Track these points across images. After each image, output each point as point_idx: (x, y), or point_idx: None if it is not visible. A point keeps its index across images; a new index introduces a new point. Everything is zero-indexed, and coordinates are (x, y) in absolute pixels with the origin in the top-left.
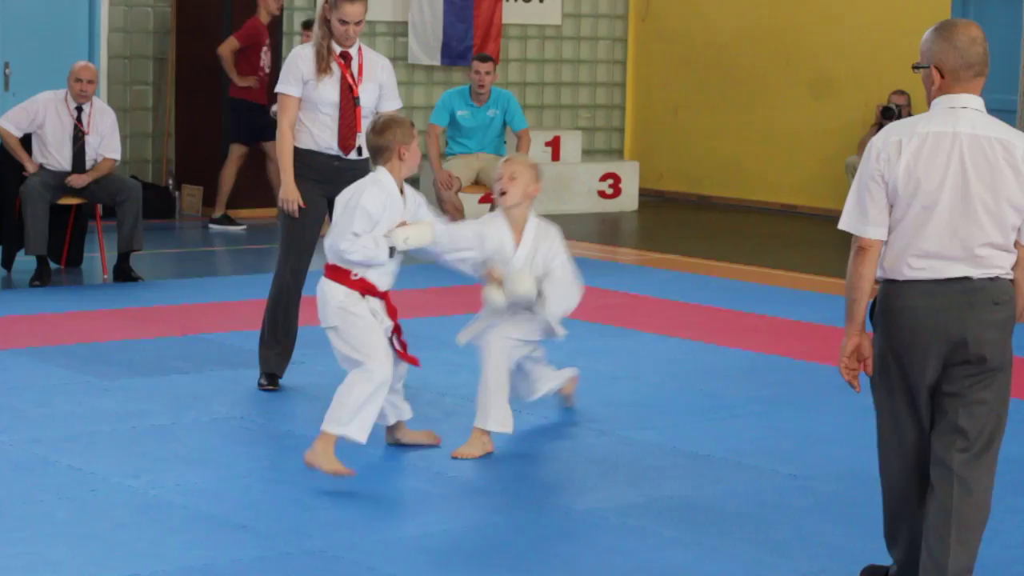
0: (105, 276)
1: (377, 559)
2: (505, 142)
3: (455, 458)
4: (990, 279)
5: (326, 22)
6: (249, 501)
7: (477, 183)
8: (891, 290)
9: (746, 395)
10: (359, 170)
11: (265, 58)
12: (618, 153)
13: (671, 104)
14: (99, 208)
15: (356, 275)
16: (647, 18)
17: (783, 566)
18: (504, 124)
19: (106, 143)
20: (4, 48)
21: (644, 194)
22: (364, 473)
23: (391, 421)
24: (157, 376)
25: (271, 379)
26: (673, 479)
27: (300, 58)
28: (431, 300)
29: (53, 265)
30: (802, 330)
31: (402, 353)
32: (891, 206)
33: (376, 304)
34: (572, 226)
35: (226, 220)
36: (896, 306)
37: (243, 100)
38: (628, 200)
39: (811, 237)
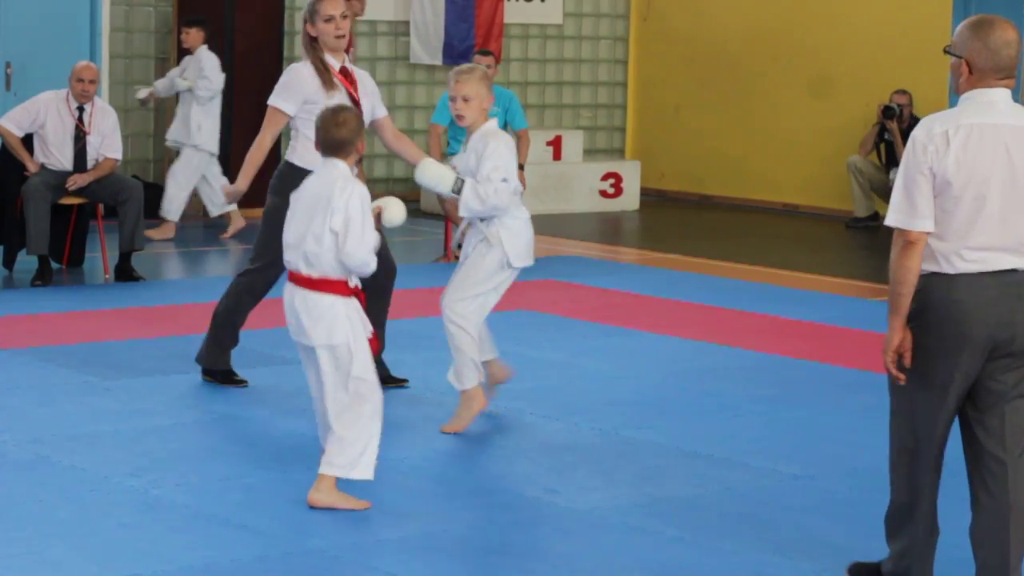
0: (106, 276)
1: (378, 559)
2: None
3: (443, 432)
4: None
5: (312, 40)
6: (250, 501)
7: None
8: (938, 283)
9: (748, 394)
10: None
11: None
12: (619, 152)
13: (672, 103)
14: (100, 208)
15: (354, 283)
16: (648, 17)
17: (785, 565)
18: (506, 123)
19: (107, 143)
20: (5, 48)
21: (645, 193)
22: None
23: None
24: (158, 376)
25: (228, 376)
26: (675, 478)
27: (302, 77)
28: (431, 299)
29: (54, 265)
30: (804, 330)
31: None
32: (935, 198)
33: (359, 305)
34: (573, 225)
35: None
36: (944, 299)
37: None
38: (629, 199)
39: (813, 236)
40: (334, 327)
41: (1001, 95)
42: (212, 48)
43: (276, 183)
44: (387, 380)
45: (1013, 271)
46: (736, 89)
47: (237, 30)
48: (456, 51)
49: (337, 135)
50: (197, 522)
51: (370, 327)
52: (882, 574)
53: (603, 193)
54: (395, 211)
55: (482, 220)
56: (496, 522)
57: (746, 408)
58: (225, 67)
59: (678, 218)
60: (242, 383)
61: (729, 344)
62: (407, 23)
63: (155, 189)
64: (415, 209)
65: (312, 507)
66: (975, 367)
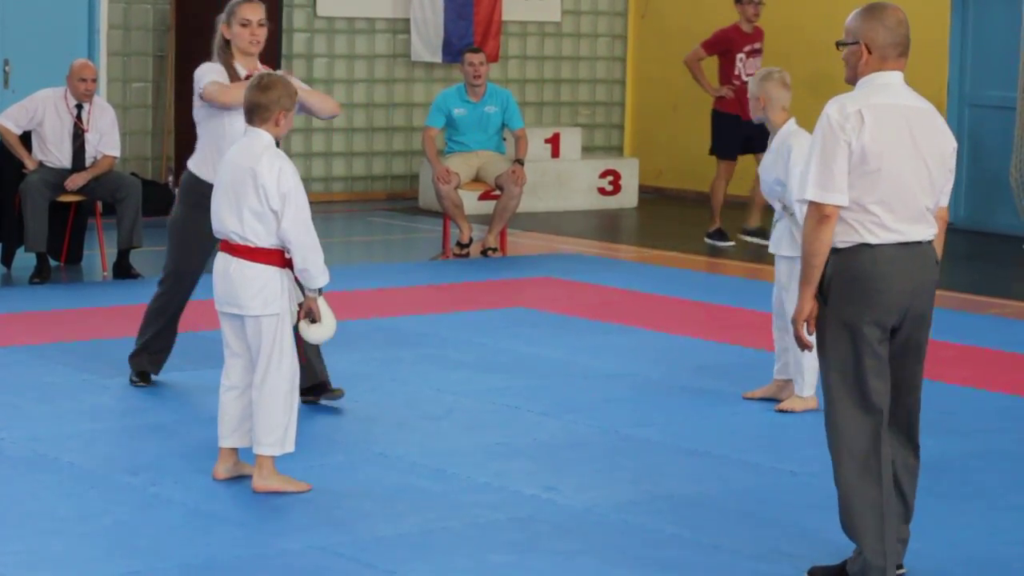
0: (105, 273)
1: (376, 556)
2: (504, 139)
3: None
4: (930, 241)
5: (226, 43)
6: (249, 498)
7: (477, 180)
8: (861, 254)
9: (742, 390)
10: None
11: (743, 65)
12: (618, 150)
13: (670, 101)
14: (99, 205)
15: (289, 253)
16: (647, 15)
17: (783, 562)
18: (503, 122)
19: (106, 140)
20: (4, 45)
21: (644, 191)
22: (363, 470)
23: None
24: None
25: (143, 376)
26: (673, 476)
27: (216, 68)
28: (429, 297)
29: (53, 262)
30: None
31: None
32: (850, 173)
33: (291, 276)
34: (571, 223)
35: (719, 235)
36: (867, 270)
37: (721, 112)
38: (628, 197)
39: None
40: (270, 298)
41: (896, 77)
42: (207, 47)
43: (180, 193)
44: (322, 389)
45: (919, 243)
46: None
47: None
48: (455, 49)
49: (254, 98)
50: (195, 519)
51: (301, 298)
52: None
53: (601, 190)
54: (320, 332)
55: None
56: (494, 520)
57: (745, 405)
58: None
59: (676, 215)
60: (145, 383)
61: (728, 341)
62: (405, 20)
63: (153, 187)
64: (413, 207)
65: (256, 492)
66: (888, 332)
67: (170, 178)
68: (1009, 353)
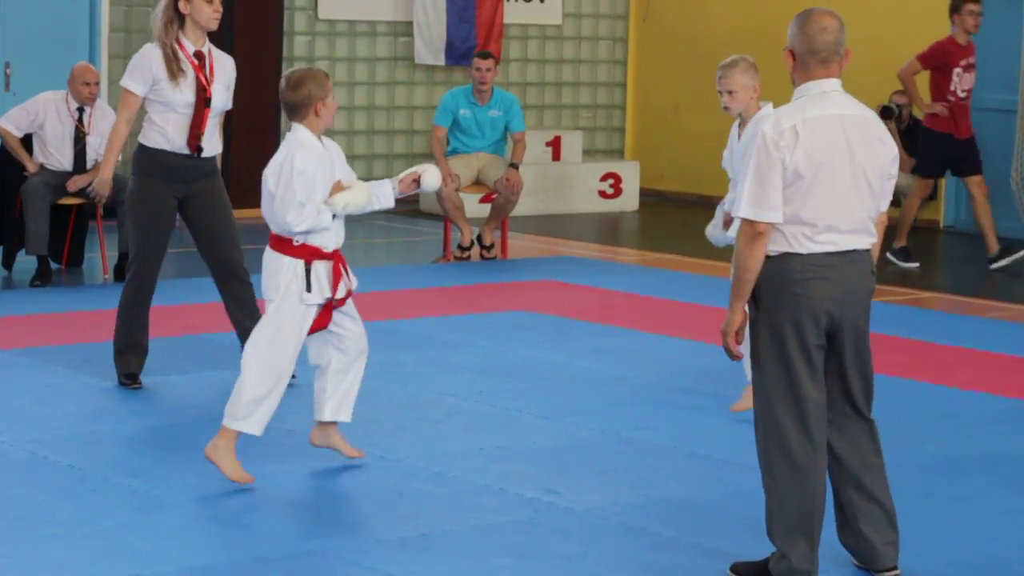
0: (106, 276)
1: (377, 560)
2: (506, 143)
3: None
4: (867, 250)
5: (176, 17)
6: (250, 501)
7: (478, 183)
8: (785, 262)
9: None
10: (206, 168)
11: (959, 81)
12: (619, 153)
13: (672, 104)
14: (100, 208)
15: (299, 241)
16: (648, 18)
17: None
18: (506, 126)
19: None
20: (5, 48)
21: (645, 194)
22: (364, 473)
23: (324, 417)
24: (157, 376)
25: (132, 378)
26: (674, 479)
27: (151, 58)
28: (430, 300)
29: (54, 265)
30: None
31: (322, 317)
32: (785, 188)
33: (321, 269)
34: (573, 226)
35: (904, 254)
36: (792, 278)
37: (932, 130)
38: (629, 200)
39: None
40: (271, 281)
41: (832, 85)
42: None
43: (134, 165)
44: None
45: (855, 251)
46: None
47: (236, 30)
48: (458, 52)
49: (287, 99)
50: (196, 522)
51: (328, 294)
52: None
53: (602, 194)
54: (431, 177)
55: None
56: (495, 523)
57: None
58: None
59: (677, 218)
60: (134, 385)
61: None
62: (407, 23)
63: None
64: (414, 210)
65: (205, 457)
66: (822, 338)
67: None
68: (1010, 356)
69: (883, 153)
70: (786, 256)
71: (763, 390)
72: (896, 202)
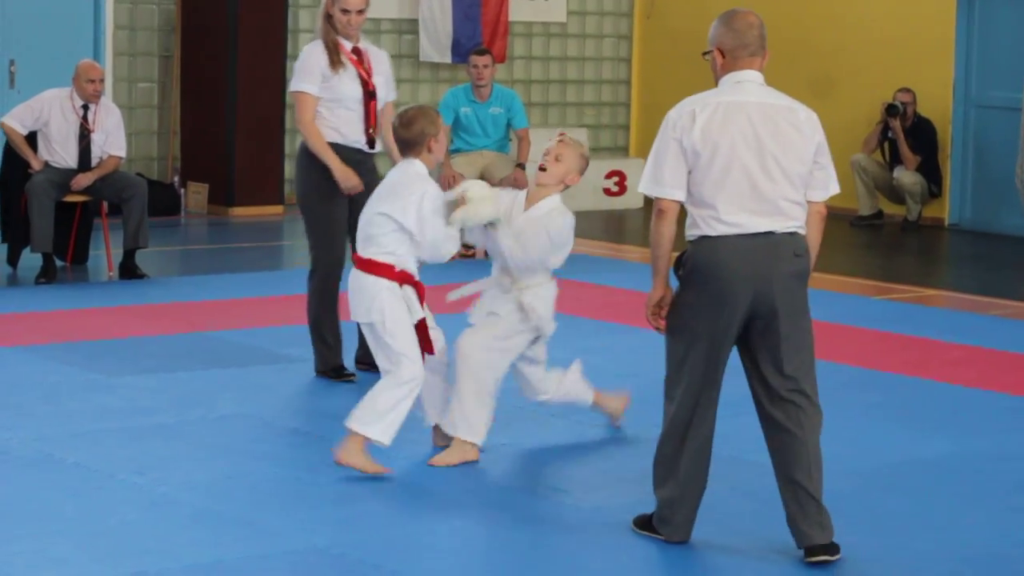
0: (111, 273)
1: (383, 557)
2: (510, 140)
3: (431, 466)
4: (790, 233)
5: (328, 17)
6: (256, 498)
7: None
8: (703, 246)
9: (748, 392)
10: (372, 163)
11: None
12: (623, 151)
13: (676, 101)
14: (105, 205)
15: (400, 267)
16: (652, 15)
17: (788, 563)
18: (508, 123)
19: (111, 140)
20: (9, 46)
21: None
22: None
23: (433, 421)
24: (163, 373)
25: (339, 371)
26: None
27: (315, 56)
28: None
29: (59, 262)
30: None
31: (423, 342)
32: (690, 171)
33: (410, 293)
34: (577, 224)
35: None
36: (708, 260)
37: None
38: (633, 197)
39: None
40: (372, 305)
41: (751, 75)
42: (212, 48)
43: (302, 163)
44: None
45: (769, 233)
46: None
47: (240, 28)
48: (464, 49)
49: (400, 136)
50: (202, 520)
51: (422, 314)
52: (651, 523)
53: (607, 191)
54: (476, 211)
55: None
56: (501, 521)
57: (747, 406)
58: (229, 66)
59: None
60: (350, 378)
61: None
62: (411, 21)
63: (159, 187)
64: None
65: (337, 463)
66: (738, 320)
67: (176, 178)
68: (1015, 354)
69: (799, 139)
70: (701, 240)
71: (668, 361)
72: (900, 200)
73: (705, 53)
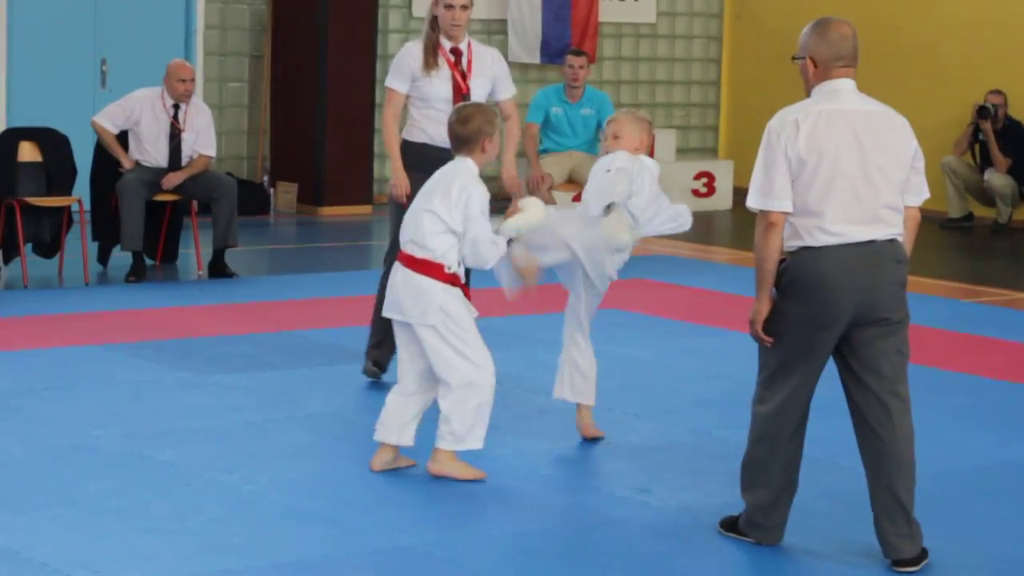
0: (200, 272)
1: (468, 556)
2: (599, 141)
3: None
4: (890, 240)
5: (433, 18)
6: (342, 497)
7: (570, 181)
8: (804, 257)
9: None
10: None
11: None
12: (712, 152)
13: (766, 102)
14: (194, 204)
15: (450, 269)
16: (742, 16)
17: (871, 567)
18: (598, 124)
19: (201, 140)
20: (101, 45)
21: (738, 192)
22: None
23: (384, 439)
24: (251, 372)
25: (379, 367)
26: None
27: (409, 55)
28: (522, 298)
29: (148, 261)
30: None
31: None
32: (793, 181)
33: (461, 294)
34: None
35: None
36: (811, 272)
37: None
38: (722, 199)
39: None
40: (428, 308)
41: (845, 84)
42: (302, 47)
43: (407, 162)
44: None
45: (871, 242)
46: None
47: (330, 27)
48: (553, 50)
49: (455, 131)
50: (289, 518)
51: (476, 312)
52: (738, 525)
53: (696, 192)
54: (526, 218)
55: None
56: (587, 521)
57: (840, 408)
58: (318, 65)
59: None
60: (374, 374)
61: None
62: (500, 21)
63: (248, 186)
64: (504, 206)
65: (431, 475)
66: (839, 332)
67: (265, 177)
68: None
69: (898, 145)
70: (801, 250)
71: (764, 372)
72: (991, 202)
73: (795, 58)
